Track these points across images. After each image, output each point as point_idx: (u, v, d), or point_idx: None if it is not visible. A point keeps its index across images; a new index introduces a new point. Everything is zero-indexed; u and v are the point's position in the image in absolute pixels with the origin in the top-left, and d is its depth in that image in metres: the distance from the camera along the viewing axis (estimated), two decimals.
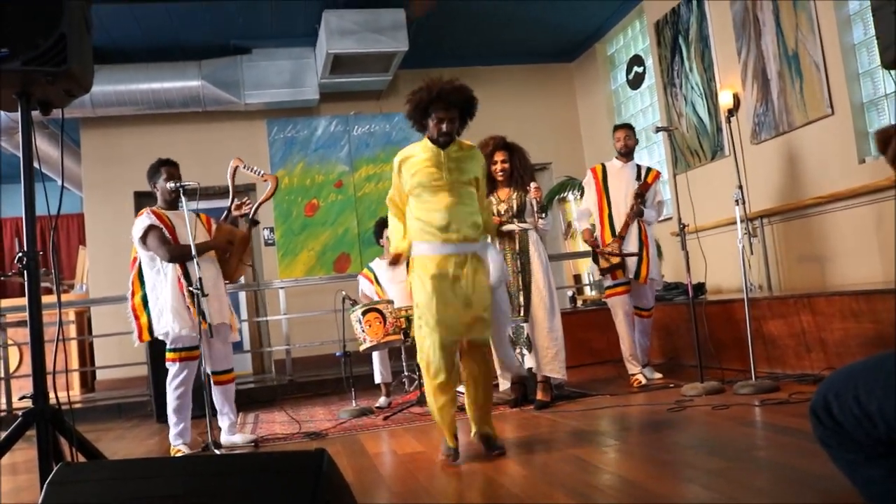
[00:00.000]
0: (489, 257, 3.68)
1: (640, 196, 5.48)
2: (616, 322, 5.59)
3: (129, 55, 8.22)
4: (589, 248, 5.76)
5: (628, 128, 5.79)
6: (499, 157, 4.90)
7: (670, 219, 7.65)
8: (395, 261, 3.82)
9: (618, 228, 5.52)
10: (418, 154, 3.67)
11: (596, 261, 5.61)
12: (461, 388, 5.65)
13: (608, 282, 5.60)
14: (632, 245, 5.48)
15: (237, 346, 6.37)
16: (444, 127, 3.60)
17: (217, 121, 8.94)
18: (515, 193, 4.92)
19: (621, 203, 5.55)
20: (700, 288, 6.20)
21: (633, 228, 5.50)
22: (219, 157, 8.34)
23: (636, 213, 5.47)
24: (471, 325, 3.54)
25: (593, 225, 5.75)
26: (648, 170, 5.68)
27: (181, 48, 8.34)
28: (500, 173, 4.90)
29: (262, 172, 4.78)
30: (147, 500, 1.75)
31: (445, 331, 3.49)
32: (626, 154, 5.67)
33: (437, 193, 3.59)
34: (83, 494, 1.79)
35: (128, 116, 8.62)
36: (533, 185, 4.79)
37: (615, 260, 5.45)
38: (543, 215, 4.92)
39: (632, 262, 5.46)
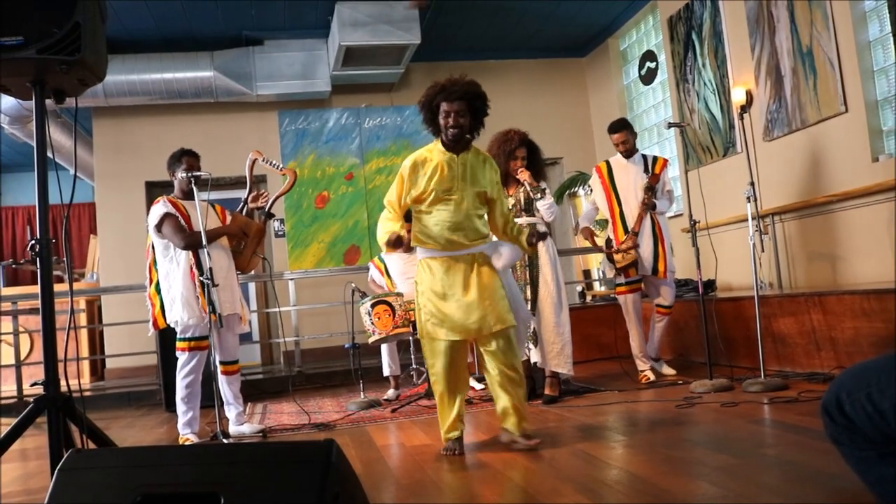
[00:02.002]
0: (501, 245, 3.68)
1: (651, 189, 5.36)
2: (626, 319, 5.56)
3: (142, 45, 8.24)
4: (593, 244, 5.69)
5: (622, 129, 5.53)
6: (520, 153, 4.77)
7: (681, 215, 7.65)
8: (397, 242, 3.65)
9: (630, 224, 5.43)
10: (431, 159, 3.62)
11: (611, 259, 5.51)
12: (475, 383, 5.70)
13: (620, 279, 5.54)
14: (646, 239, 5.38)
15: (246, 337, 6.39)
16: (451, 120, 3.55)
17: (229, 112, 8.96)
18: (522, 188, 4.87)
19: (631, 198, 5.45)
20: (710, 285, 6.18)
21: (647, 223, 5.40)
22: (230, 147, 8.40)
23: (649, 207, 5.37)
24: (483, 319, 3.51)
25: (598, 223, 5.67)
26: (655, 160, 5.54)
27: (194, 39, 8.36)
28: (519, 171, 4.81)
29: (280, 166, 4.80)
30: (156, 487, 1.76)
31: (452, 331, 3.52)
32: (629, 154, 5.54)
33: (447, 202, 3.57)
34: (93, 481, 1.81)
35: (140, 106, 8.64)
36: (518, 169, 4.73)
37: (630, 257, 5.38)
38: (539, 196, 4.78)
39: (647, 258, 5.37)
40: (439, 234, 3.57)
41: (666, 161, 5.58)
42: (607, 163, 5.68)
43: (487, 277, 3.59)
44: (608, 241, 5.54)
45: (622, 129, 5.55)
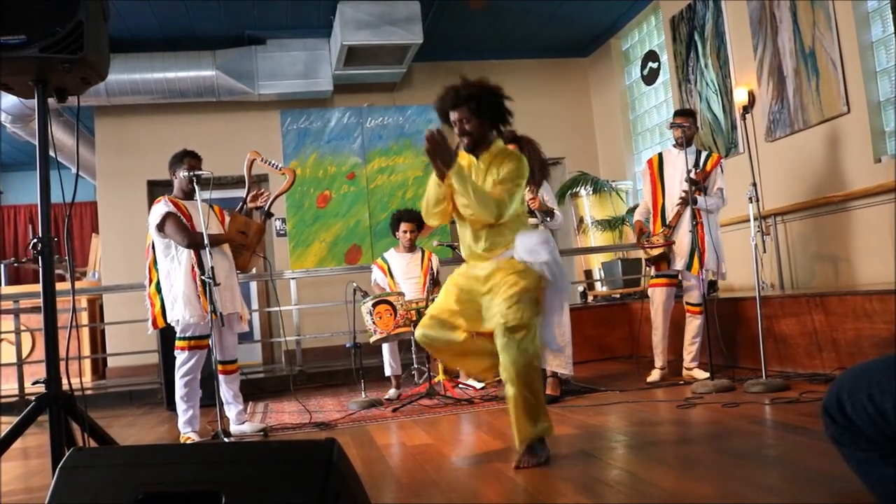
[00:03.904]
0: (525, 238, 3.33)
1: (695, 183, 5.07)
2: (652, 312, 5.43)
3: (145, 44, 8.25)
4: (638, 240, 5.57)
5: (684, 116, 5.30)
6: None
7: None
8: (445, 152, 3.22)
9: (669, 218, 5.28)
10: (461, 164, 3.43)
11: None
12: (475, 382, 5.69)
13: (652, 272, 5.42)
14: (682, 234, 5.20)
15: (247, 336, 6.40)
16: (458, 129, 3.41)
17: (231, 111, 8.97)
18: (530, 196, 4.85)
19: (675, 191, 5.27)
20: (712, 285, 6.16)
21: (686, 218, 5.18)
22: (232, 147, 8.41)
23: (686, 202, 5.17)
24: (482, 315, 3.35)
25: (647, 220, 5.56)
26: (709, 155, 5.34)
27: (196, 38, 8.36)
28: (529, 201, 4.74)
29: (279, 166, 4.81)
30: (158, 485, 1.76)
31: (437, 322, 3.41)
32: (682, 144, 5.16)
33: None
34: (95, 479, 1.80)
35: (142, 105, 8.66)
36: (528, 195, 4.65)
37: (656, 251, 5.29)
38: (548, 219, 4.84)
39: (681, 254, 5.21)
40: (464, 239, 3.44)
41: (720, 158, 5.38)
42: (660, 155, 5.52)
43: (501, 277, 3.32)
44: (647, 233, 5.44)
45: (683, 115, 5.33)
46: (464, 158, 3.46)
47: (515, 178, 3.35)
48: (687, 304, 5.37)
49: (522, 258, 3.31)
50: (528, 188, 4.66)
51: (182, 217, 4.37)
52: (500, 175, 3.34)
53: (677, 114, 5.41)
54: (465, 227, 3.43)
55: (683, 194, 5.20)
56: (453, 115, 3.42)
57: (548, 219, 4.84)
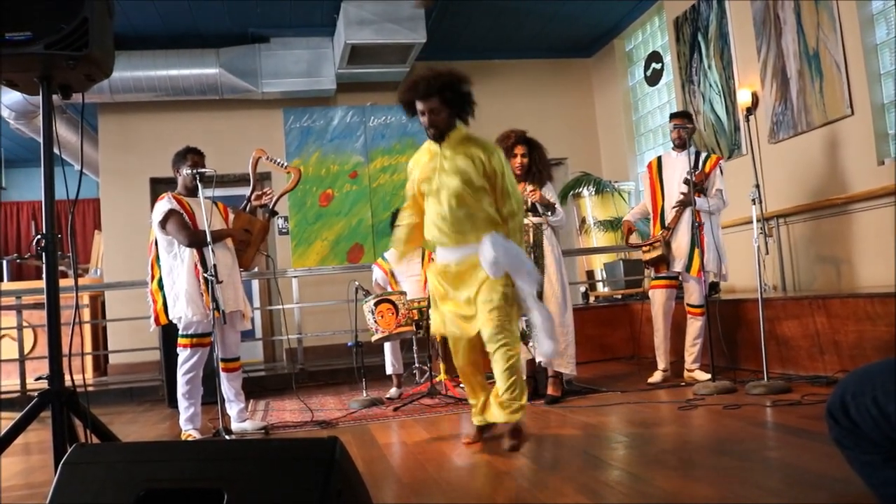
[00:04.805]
0: (487, 243, 3.42)
1: (693, 185, 5.03)
2: (653, 314, 5.44)
3: (148, 42, 8.26)
4: (626, 239, 5.60)
5: (681, 117, 5.35)
6: (519, 150, 4.79)
7: None
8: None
9: (668, 220, 5.27)
10: (423, 155, 3.63)
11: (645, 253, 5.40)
12: None
13: (652, 274, 5.44)
14: (680, 235, 5.18)
15: (249, 334, 6.40)
16: (425, 120, 3.49)
17: (234, 109, 8.97)
18: (531, 188, 4.86)
19: (675, 194, 5.26)
20: (714, 287, 6.16)
21: (685, 219, 5.17)
22: (235, 144, 8.41)
23: (683, 203, 5.17)
24: (470, 322, 3.52)
25: (646, 221, 5.58)
26: (707, 157, 5.32)
27: (199, 36, 8.37)
28: (519, 167, 4.77)
29: (285, 164, 4.81)
30: (160, 482, 1.76)
31: (449, 330, 3.60)
32: (681, 145, 5.27)
33: (435, 195, 3.51)
34: (97, 475, 1.81)
35: (145, 103, 8.66)
36: (529, 187, 4.69)
37: (656, 252, 5.26)
38: (549, 214, 4.86)
39: (679, 256, 5.20)
40: (434, 224, 3.56)
41: (719, 159, 5.34)
42: (659, 158, 5.52)
43: (478, 283, 3.49)
44: (635, 233, 5.45)
45: (679, 117, 5.36)
46: (427, 147, 3.64)
47: (502, 164, 3.52)
48: (688, 305, 5.36)
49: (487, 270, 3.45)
50: (528, 184, 4.71)
51: (185, 215, 4.38)
52: (481, 173, 3.46)
53: (674, 116, 5.44)
54: (433, 207, 3.54)
55: (681, 196, 5.21)
56: (422, 105, 3.51)
57: (549, 213, 4.82)
